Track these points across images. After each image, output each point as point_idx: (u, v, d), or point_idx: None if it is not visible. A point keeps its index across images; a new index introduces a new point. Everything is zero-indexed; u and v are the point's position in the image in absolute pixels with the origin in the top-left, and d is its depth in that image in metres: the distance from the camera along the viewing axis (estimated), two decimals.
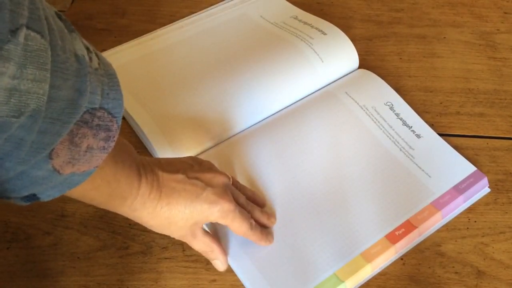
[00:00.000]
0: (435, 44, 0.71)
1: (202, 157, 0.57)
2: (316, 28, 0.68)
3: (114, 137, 0.38)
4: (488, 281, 0.50)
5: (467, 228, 0.53)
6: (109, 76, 0.37)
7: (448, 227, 0.53)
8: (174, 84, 0.63)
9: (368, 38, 0.71)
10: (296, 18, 0.71)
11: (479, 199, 0.55)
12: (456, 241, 0.52)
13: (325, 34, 0.67)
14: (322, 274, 0.49)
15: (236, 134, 0.59)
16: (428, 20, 0.74)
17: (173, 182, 0.46)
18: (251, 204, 0.51)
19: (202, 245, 0.49)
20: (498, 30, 0.73)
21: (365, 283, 0.50)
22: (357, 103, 0.61)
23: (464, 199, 0.54)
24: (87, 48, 0.36)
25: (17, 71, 0.29)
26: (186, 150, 0.57)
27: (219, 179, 0.49)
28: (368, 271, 0.49)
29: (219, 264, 0.50)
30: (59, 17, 0.34)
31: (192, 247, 0.49)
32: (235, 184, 0.52)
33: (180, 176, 0.47)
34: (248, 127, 0.60)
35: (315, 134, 0.59)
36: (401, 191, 0.54)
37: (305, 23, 0.70)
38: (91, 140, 0.36)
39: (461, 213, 0.54)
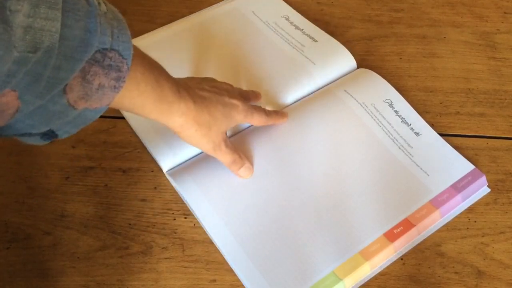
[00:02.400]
0: (435, 44, 0.71)
1: (201, 156, 0.57)
2: (307, 35, 0.68)
3: (124, 77, 0.40)
4: (488, 281, 0.50)
5: (467, 228, 0.53)
6: (118, 21, 0.39)
7: (448, 227, 0.53)
8: None
9: (368, 38, 0.71)
10: (287, 19, 0.71)
11: (479, 199, 0.55)
12: (456, 241, 0.52)
13: (316, 41, 0.67)
14: (320, 272, 0.49)
15: (236, 134, 0.59)
16: (428, 20, 0.74)
17: (202, 91, 0.51)
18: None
19: (231, 153, 0.53)
20: (498, 30, 0.73)
21: (365, 283, 0.50)
22: (356, 101, 0.61)
23: (463, 197, 0.54)
24: None
25: (31, 10, 0.32)
26: (186, 150, 0.57)
27: (228, 86, 0.56)
28: (367, 270, 0.50)
29: (248, 169, 0.55)
30: None
31: (223, 158, 0.53)
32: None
33: (206, 87, 0.52)
34: (247, 127, 0.60)
35: (314, 132, 0.59)
36: (399, 189, 0.54)
37: (296, 27, 0.70)
38: (103, 79, 0.38)
39: (461, 213, 0.54)
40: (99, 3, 0.38)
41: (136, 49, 0.42)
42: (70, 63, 0.36)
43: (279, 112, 0.59)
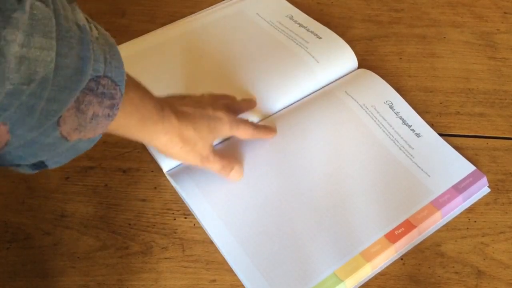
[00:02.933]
0: (435, 44, 0.71)
1: None
2: (311, 32, 0.68)
3: (118, 104, 0.39)
4: (488, 281, 0.50)
5: (467, 228, 0.53)
6: (109, 46, 0.39)
7: (448, 227, 0.53)
8: (169, 82, 0.63)
9: (368, 38, 0.71)
10: (291, 18, 0.71)
11: (479, 199, 0.55)
12: (456, 241, 0.52)
13: (320, 38, 0.67)
14: (321, 273, 0.49)
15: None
16: (428, 20, 0.74)
17: (184, 107, 0.50)
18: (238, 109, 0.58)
19: (220, 162, 0.53)
20: (498, 30, 0.73)
21: (365, 283, 0.50)
22: (357, 102, 0.61)
23: (464, 198, 0.54)
24: (86, 19, 0.37)
25: (25, 40, 0.31)
26: None
27: (210, 100, 0.55)
28: (368, 271, 0.50)
29: (237, 173, 0.55)
30: None
31: (212, 168, 0.53)
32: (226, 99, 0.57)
33: (189, 105, 0.51)
34: None
35: (314, 133, 0.59)
36: (400, 190, 0.54)
37: (300, 25, 0.70)
38: (97, 108, 0.37)
39: (461, 213, 0.54)
40: (90, 28, 0.37)
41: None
42: (64, 93, 0.34)
43: (268, 127, 0.58)
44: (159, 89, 0.62)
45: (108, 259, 0.51)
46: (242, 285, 0.49)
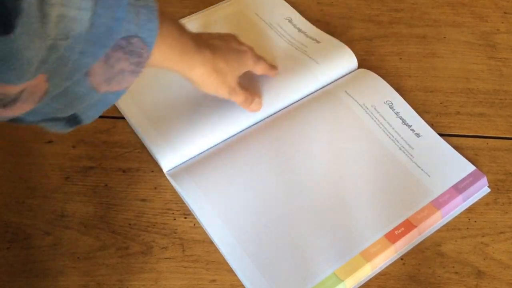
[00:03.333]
0: (435, 44, 0.71)
1: (202, 157, 0.57)
2: (310, 37, 0.69)
3: (144, 63, 0.42)
4: (488, 281, 0.50)
5: (467, 228, 0.53)
6: (148, 8, 0.41)
7: (448, 227, 0.53)
8: (169, 82, 0.63)
9: (368, 38, 0.71)
10: (290, 21, 0.71)
11: (479, 199, 0.55)
12: (456, 241, 0.52)
13: (318, 42, 0.68)
14: (321, 273, 0.49)
15: (235, 134, 0.59)
16: (428, 20, 0.74)
17: (214, 41, 0.54)
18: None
19: (244, 93, 0.57)
20: (498, 30, 0.73)
21: (365, 283, 0.50)
22: (357, 102, 0.61)
23: (464, 198, 0.54)
24: None
25: (66, 0, 0.34)
26: (186, 150, 0.57)
27: (233, 36, 0.58)
28: (368, 271, 0.50)
29: (258, 103, 0.59)
30: None
31: (237, 99, 0.56)
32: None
33: (216, 37, 0.55)
34: (248, 127, 0.60)
35: (314, 133, 0.59)
36: (400, 190, 0.54)
37: (299, 30, 0.70)
38: (124, 64, 0.41)
39: (461, 213, 0.54)
40: None
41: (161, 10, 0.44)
42: (95, 48, 0.38)
43: (275, 66, 0.63)
44: (160, 88, 0.63)
45: (108, 259, 0.51)
46: (242, 285, 0.49)
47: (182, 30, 0.49)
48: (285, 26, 0.71)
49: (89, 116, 0.43)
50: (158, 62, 0.47)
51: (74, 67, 0.38)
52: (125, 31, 0.39)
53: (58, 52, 0.36)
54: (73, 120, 0.42)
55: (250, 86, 0.59)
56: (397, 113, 0.61)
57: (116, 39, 0.39)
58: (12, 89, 0.36)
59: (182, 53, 0.48)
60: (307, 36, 0.69)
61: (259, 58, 0.59)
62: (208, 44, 0.52)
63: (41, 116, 0.41)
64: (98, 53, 0.38)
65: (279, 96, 0.62)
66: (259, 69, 0.59)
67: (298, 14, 0.72)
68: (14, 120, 0.40)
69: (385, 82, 0.64)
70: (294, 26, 0.71)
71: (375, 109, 0.61)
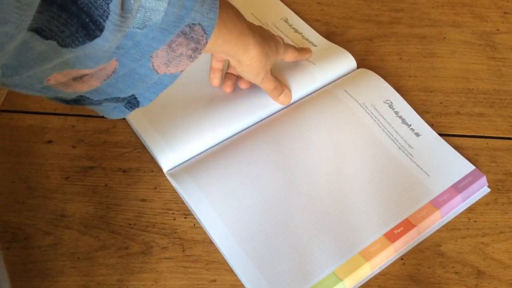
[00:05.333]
0: (435, 44, 0.71)
1: (202, 157, 0.57)
2: (306, 39, 0.69)
3: (201, 49, 0.45)
4: (488, 281, 0.50)
5: (467, 228, 0.53)
6: None
7: (448, 227, 0.53)
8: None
9: (368, 38, 0.71)
10: (286, 21, 0.71)
11: (479, 199, 0.55)
12: (456, 241, 0.52)
13: (315, 46, 0.68)
14: (321, 272, 0.49)
15: (235, 134, 0.59)
16: (428, 20, 0.74)
17: (258, 28, 0.55)
18: None
19: (274, 81, 0.58)
20: (498, 30, 0.73)
21: (365, 283, 0.50)
22: (356, 101, 0.61)
23: (463, 198, 0.54)
24: None
25: None
26: (186, 150, 0.57)
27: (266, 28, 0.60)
28: (367, 270, 0.50)
29: (288, 95, 0.61)
30: None
31: (267, 85, 0.58)
32: None
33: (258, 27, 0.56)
34: (247, 127, 0.60)
35: (314, 133, 0.59)
36: (400, 189, 0.54)
37: (295, 30, 0.70)
38: (184, 49, 0.43)
39: (461, 213, 0.54)
40: None
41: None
42: (164, 35, 0.40)
43: (306, 48, 0.64)
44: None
45: (108, 259, 0.51)
46: (242, 285, 0.49)
47: (238, 14, 0.51)
48: (281, 26, 0.71)
49: (147, 97, 0.45)
50: (218, 46, 0.49)
51: (143, 51, 0.40)
52: (191, 19, 0.41)
53: (134, 39, 0.38)
54: (132, 102, 0.45)
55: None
56: (396, 113, 0.61)
57: (183, 26, 0.41)
58: (87, 71, 0.38)
59: (240, 36, 0.50)
60: (303, 37, 0.69)
61: (288, 46, 0.60)
62: (256, 28, 0.54)
63: (105, 96, 0.43)
64: (165, 39, 0.41)
65: None
66: (290, 56, 0.60)
67: (294, 15, 0.72)
68: (78, 100, 0.42)
69: (384, 82, 0.64)
70: (290, 26, 0.71)
71: (374, 108, 0.61)
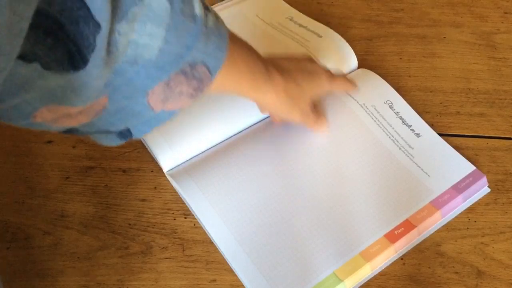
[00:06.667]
0: (435, 44, 0.71)
1: (202, 157, 0.57)
2: (312, 31, 0.69)
3: (204, 88, 0.42)
4: (488, 281, 0.50)
5: (467, 228, 0.53)
6: (220, 36, 0.41)
7: (448, 227, 0.53)
8: None
9: (368, 38, 0.71)
10: (291, 19, 0.71)
11: (479, 199, 0.55)
12: (456, 241, 0.52)
13: (320, 36, 0.67)
14: (321, 273, 0.49)
15: (235, 134, 0.59)
16: (428, 20, 0.74)
17: (284, 63, 0.52)
18: None
19: (314, 116, 0.56)
20: (498, 30, 0.73)
21: (365, 283, 0.50)
22: (357, 102, 0.61)
23: (464, 198, 0.54)
24: (206, 8, 0.40)
25: (138, 27, 0.34)
26: (186, 150, 0.57)
27: (309, 59, 0.56)
28: (368, 271, 0.50)
29: (325, 122, 0.57)
30: None
31: (307, 122, 0.55)
32: None
33: (285, 58, 0.53)
34: (247, 127, 0.60)
35: (314, 133, 0.59)
36: (400, 190, 0.54)
37: (300, 25, 0.70)
38: (184, 87, 0.40)
39: (461, 213, 0.54)
40: (206, 15, 0.39)
41: (231, 32, 0.44)
42: (159, 73, 0.38)
43: (353, 81, 0.60)
44: None
45: (108, 259, 0.51)
46: (242, 285, 0.49)
47: (253, 54, 0.47)
48: (286, 24, 0.71)
49: (141, 130, 0.42)
50: (227, 87, 0.46)
51: (136, 88, 0.38)
52: (192, 58, 0.39)
53: (125, 76, 0.36)
54: (125, 134, 0.42)
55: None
56: (397, 113, 0.61)
57: (182, 65, 0.39)
58: (75, 109, 0.36)
59: (254, 80, 0.47)
60: (308, 30, 0.69)
61: (334, 76, 0.56)
62: (278, 67, 0.50)
63: (95, 128, 0.40)
64: (162, 77, 0.38)
65: None
66: (338, 86, 0.58)
67: (299, 13, 0.72)
68: (69, 131, 0.40)
69: (385, 82, 0.64)
70: (295, 22, 0.71)
71: (375, 109, 0.61)
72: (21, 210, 0.54)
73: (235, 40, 0.44)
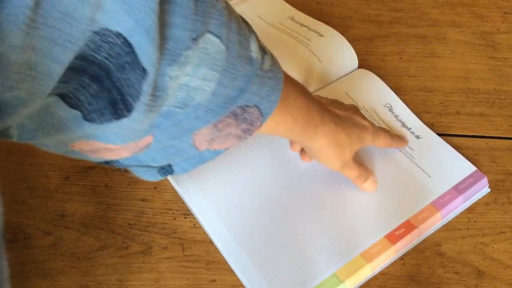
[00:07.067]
0: (435, 44, 0.71)
1: None
2: (313, 30, 0.69)
3: (253, 131, 0.40)
4: (488, 281, 0.50)
5: (467, 228, 0.53)
6: (276, 79, 0.39)
7: (448, 227, 0.53)
8: None
9: (368, 38, 0.71)
10: (292, 19, 0.71)
11: (479, 199, 0.55)
12: (456, 241, 0.52)
13: (322, 36, 0.67)
14: (322, 274, 0.49)
15: None
16: (428, 20, 0.74)
17: (338, 111, 0.50)
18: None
19: (358, 169, 0.52)
20: (498, 30, 0.73)
21: (365, 283, 0.50)
22: (357, 104, 0.61)
23: (464, 199, 0.54)
24: (263, 50, 0.38)
25: (191, 70, 0.32)
26: None
27: (356, 107, 0.55)
28: (368, 271, 0.49)
29: (374, 182, 0.53)
30: (243, 20, 0.38)
31: (350, 174, 0.52)
32: None
33: (338, 107, 0.52)
34: None
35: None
36: (401, 191, 0.54)
37: (302, 24, 0.70)
38: (233, 129, 0.39)
39: (461, 213, 0.54)
40: (263, 60, 0.38)
41: (287, 75, 0.42)
42: (210, 115, 0.36)
43: (401, 136, 0.58)
44: None
45: (108, 259, 0.51)
46: (242, 285, 0.49)
47: (308, 99, 0.46)
48: (287, 23, 0.71)
49: (183, 168, 0.41)
50: (278, 132, 0.45)
51: (184, 129, 0.37)
52: (244, 100, 0.38)
53: (173, 118, 0.34)
54: (166, 169, 0.41)
55: (364, 162, 0.56)
56: (396, 116, 0.61)
57: (233, 108, 0.37)
58: (116, 146, 0.35)
59: (306, 125, 0.46)
60: (310, 29, 0.69)
61: (379, 132, 0.54)
62: (332, 114, 0.49)
63: (135, 162, 0.39)
64: (211, 120, 0.37)
65: None
66: (380, 143, 0.55)
67: (300, 12, 0.72)
68: (107, 162, 0.39)
69: (384, 84, 0.64)
70: (297, 22, 0.71)
71: (375, 112, 0.61)
72: (21, 210, 0.54)
73: (289, 83, 0.43)
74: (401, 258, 0.51)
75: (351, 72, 0.66)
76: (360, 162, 0.54)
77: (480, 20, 0.74)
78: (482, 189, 0.55)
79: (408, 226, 0.52)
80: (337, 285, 0.48)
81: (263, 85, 0.38)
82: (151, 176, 0.42)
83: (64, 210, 0.54)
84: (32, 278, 0.50)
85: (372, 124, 0.53)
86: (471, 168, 0.56)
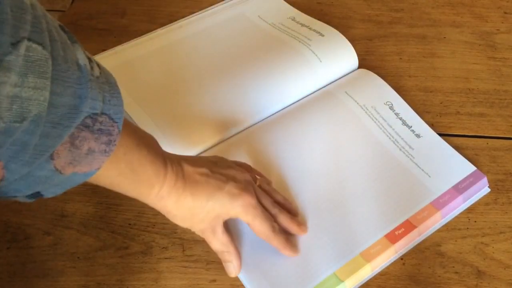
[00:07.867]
0: (435, 44, 0.71)
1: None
2: (314, 30, 0.69)
3: (115, 141, 0.39)
4: (488, 281, 0.50)
5: (467, 228, 0.53)
6: (110, 84, 0.39)
7: (448, 227, 0.53)
8: (173, 84, 0.63)
9: (368, 38, 0.72)
10: (293, 19, 0.71)
11: (479, 199, 0.55)
12: (456, 241, 0.52)
13: (322, 35, 0.68)
14: (321, 273, 0.49)
15: (235, 134, 0.59)
16: (428, 20, 0.74)
17: (197, 175, 0.47)
18: (278, 208, 0.50)
19: (220, 244, 0.48)
20: (498, 30, 0.73)
21: (365, 283, 0.50)
22: (357, 103, 0.61)
23: (464, 199, 0.54)
24: (89, 58, 0.38)
25: (18, 80, 0.31)
26: (186, 150, 0.57)
27: (243, 176, 0.49)
28: (368, 271, 0.49)
29: (232, 268, 0.49)
30: (63, 29, 0.36)
31: (210, 245, 0.49)
32: (263, 186, 0.52)
33: (204, 170, 0.47)
34: (247, 128, 0.60)
35: (315, 134, 0.59)
36: (400, 190, 0.54)
37: (302, 24, 0.70)
38: (92, 143, 0.37)
39: (461, 213, 0.54)
40: (92, 67, 0.37)
41: (126, 124, 0.41)
42: (58, 130, 0.35)
43: (290, 240, 0.50)
44: (164, 92, 0.63)
45: (108, 259, 0.51)
46: (242, 285, 0.49)
47: (145, 154, 0.43)
48: (288, 24, 0.71)
49: (53, 192, 0.39)
50: (109, 186, 0.43)
51: (36, 152, 0.34)
52: (90, 109, 0.36)
53: (13, 136, 0.32)
54: (34, 195, 0.39)
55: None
56: (397, 114, 0.61)
57: (81, 118, 0.36)
58: None
59: (137, 183, 0.43)
60: (310, 29, 0.69)
61: (257, 214, 0.47)
62: (187, 176, 0.46)
63: (2, 195, 0.37)
64: (61, 135, 0.35)
65: (280, 96, 0.62)
66: (255, 227, 0.48)
67: (300, 13, 0.73)
68: None
69: (385, 83, 0.64)
70: (297, 22, 0.71)
71: (375, 110, 0.61)
72: (21, 210, 0.54)
73: (124, 135, 0.41)
74: (401, 258, 0.51)
75: (351, 72, 0.66)
76: (229, 238, 0.48)
77: (480, 20, 0.74)
78: (482, 189, 0.55)
79: (408, 226, 0.52)
80: (337, 284, 0.48)
81: (100, 90, 0.37)
82: (22, 200, 0.40)
83: (64, 210, 0.54)
84: (32, 278, 0.50)
85: (252, 197, 0.47)
86: (471, 168, 0.56)
